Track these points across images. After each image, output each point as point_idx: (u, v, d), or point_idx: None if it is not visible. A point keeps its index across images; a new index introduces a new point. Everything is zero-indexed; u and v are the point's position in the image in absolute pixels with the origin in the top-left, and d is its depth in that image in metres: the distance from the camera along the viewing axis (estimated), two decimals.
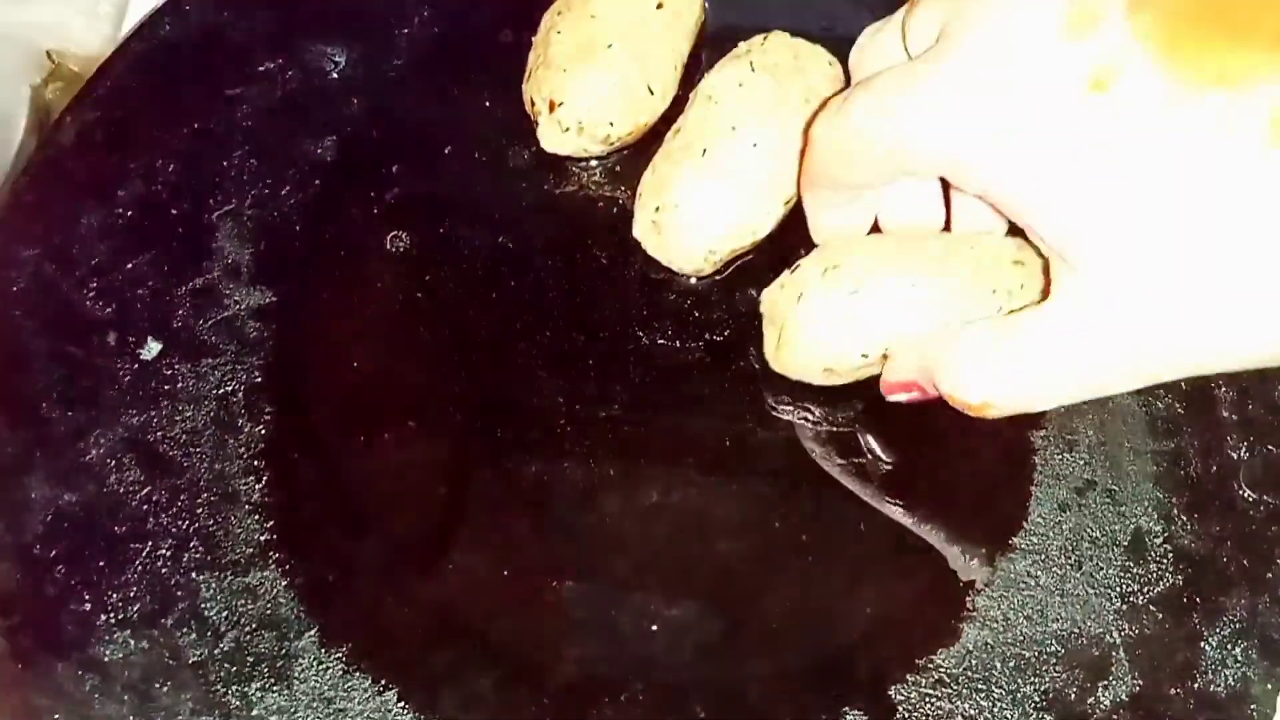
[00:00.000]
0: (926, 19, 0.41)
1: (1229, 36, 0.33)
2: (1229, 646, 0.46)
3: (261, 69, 0.58)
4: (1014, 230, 0.45)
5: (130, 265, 0.53)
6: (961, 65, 0.38)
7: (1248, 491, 0.49)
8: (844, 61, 0.53)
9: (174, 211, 0.54)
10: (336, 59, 0.58)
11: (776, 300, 0.48)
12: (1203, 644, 0.46)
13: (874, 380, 0.48)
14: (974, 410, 0.42)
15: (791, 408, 0.51)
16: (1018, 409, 0.42)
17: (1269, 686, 0.45)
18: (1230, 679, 0.46)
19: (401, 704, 0.45)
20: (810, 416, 0.51)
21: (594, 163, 0.56)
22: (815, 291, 0.47)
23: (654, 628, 0.47)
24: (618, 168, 0.56)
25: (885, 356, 0.46)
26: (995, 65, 0.37)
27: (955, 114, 0.38)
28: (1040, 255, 0.43)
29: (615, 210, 0.55)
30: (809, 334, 0.47)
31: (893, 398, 0.46)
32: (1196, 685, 0.46)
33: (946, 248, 0.46)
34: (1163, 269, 0.35)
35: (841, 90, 0.51)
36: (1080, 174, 0.36)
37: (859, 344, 0.46)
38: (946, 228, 0.48)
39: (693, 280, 0.53)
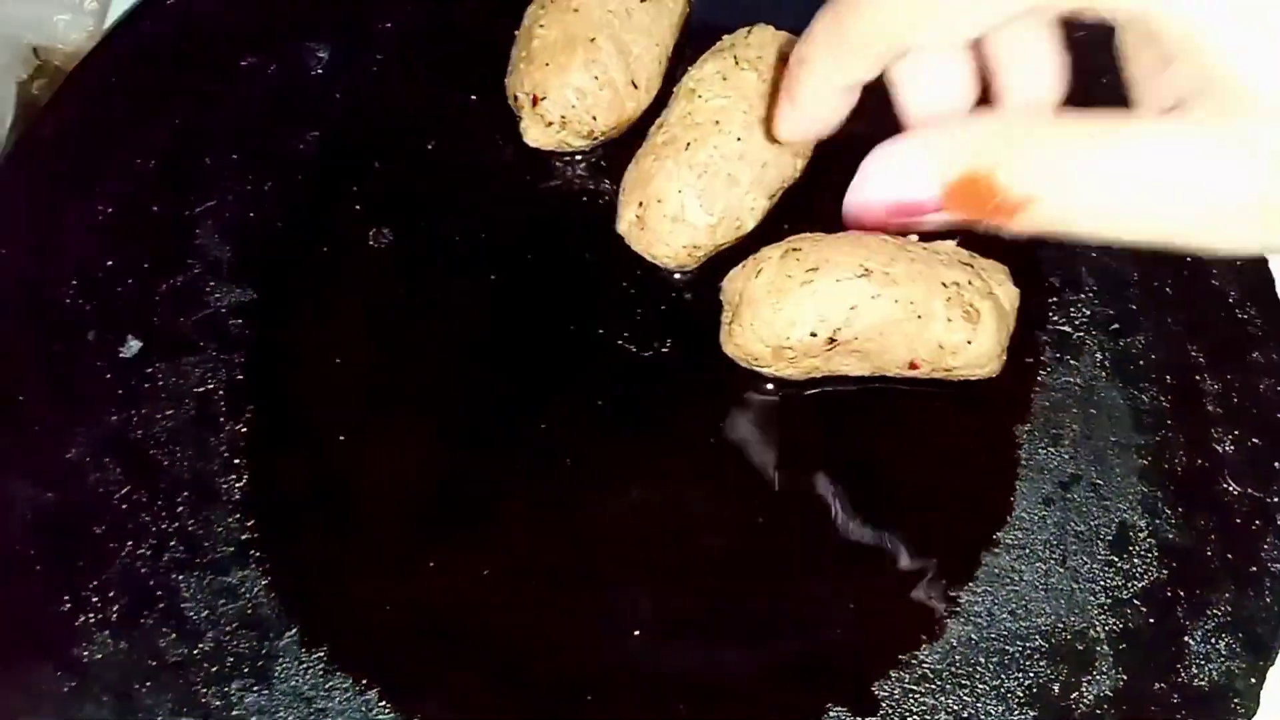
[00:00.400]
0: None
1: None
2: (1213, 641, 0.46)
3: (243, 65, 0.58)
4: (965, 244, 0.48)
5: (111, 262, 0.53)
6: None
7: (1233, 485, 0.48)
8: None
9: (155, 208, 0.54)
10: (319, 55, 0.58)
11: (735, 280, 0.49)
12: (1187, 638, 0.46)
13: (851, 377, 0.48)
14: (1009, 208, 0.34)
15: (777, 399, 0.51)
16: (1069, 222, 0.34)
17: (1253, 681, 0.45)
18: (1214, 673, 0.46)
19: (383, 703, 0.45)
20: (795, 410, 0.50)
21: (578, 157, 0.56)
22: (772, 269, 0.47)
23: (636, 624, 0.46)
24: (602, 162, 0.56)
25: (832, 340, 0.46)
26: None
27: None
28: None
29: (600, 205, 0.55)
30: (761, 309, 0.47)
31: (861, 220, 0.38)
32: (1180, 679, 0.46)
33: (902, 243, 0.48)
34: None
35: None
36: None
37: (808, 321, 0.46)
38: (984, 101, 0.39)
39: (677, 275, 0.53)
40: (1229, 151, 0.31)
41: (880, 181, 0.37)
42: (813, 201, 0.53)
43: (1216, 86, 0.31)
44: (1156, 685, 0.45)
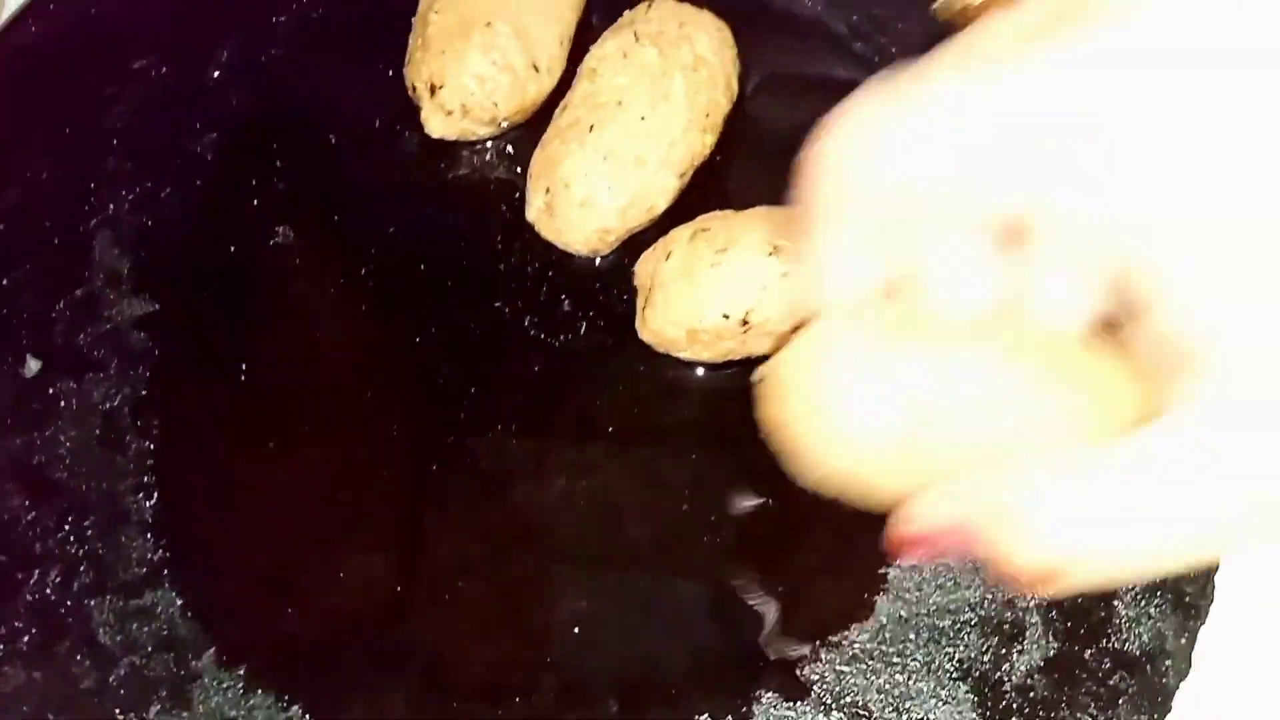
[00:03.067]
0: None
1: None
2: (1142, 603, 0.46)
3: (135, 66, 0.56)
4: None
5: (4, 280, 0.51)
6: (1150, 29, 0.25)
7: None
8: (732, 25, 0.52)
9: (48, 221, 0.52)
10: (213, 52, 0.56)
11: (645, 263, 0.48)
12: (1116, 602, 0.46)
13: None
14: (1035, 579, 0.29)
15: (696, 382, 0.50)
16: (1108, 575, 0.29)
17: (1183, 641, 0.45)
18: (1145, 636, 0.45)
19: (306, 718, 0.44)
20: (716, 393, 0.49)
21: (485, 144, 0.54)
22: (681, 251, 0.46)
23: (561, 622, 0.46)
24: (509, 148, 0.54)
25: (745, 322, 0.45)
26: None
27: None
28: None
29: (509, 193, 0.53)
30: (672, 292, 0.46)
31: (902, 557, 0.33)
32: (1112, 645, 0.45)
33: None
34: None
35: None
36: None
37: (720, 303, 0.46)
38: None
39: (595, 261, 0.52)
40: (1206, 466, 0.26)
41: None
42: (726, 177, 0.52)
43: (1173, 355, 0.26)
44: (1087, 652, 0.45)
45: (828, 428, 0.31)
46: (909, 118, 0.28)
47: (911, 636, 0.46)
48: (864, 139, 0.29)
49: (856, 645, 0.46)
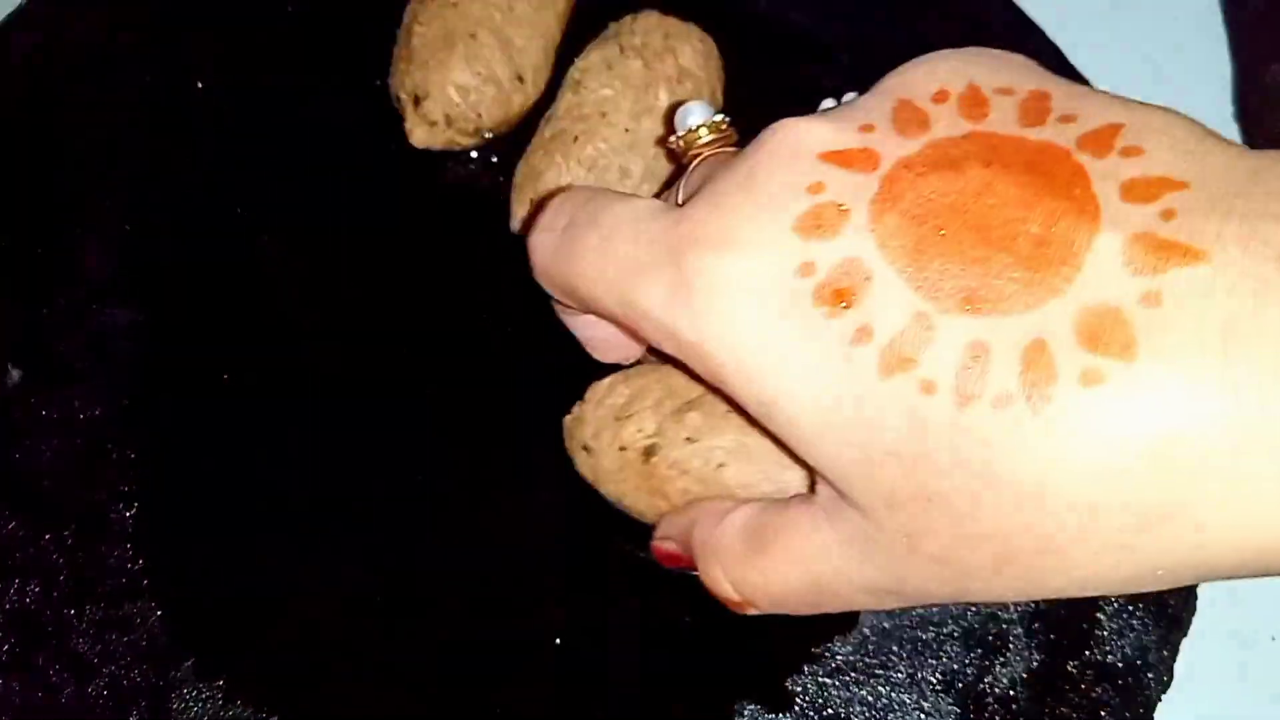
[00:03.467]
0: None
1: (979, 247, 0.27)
2: (1125, 615, 0.46)
3: (120, 73, 0.55)
4: None
5: None
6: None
7: None
8: (716, 38, 0.52)
9: (31, 228, 0.52)
10: (198, 61, 0.56)
11: None
12: (1098, 614, 0.46)
13: None
14: (733, 605, 0.36)
15: None
16: (778, 610, 0.35)
17: (1165, 653, 0.45)
18: (1128, 648, 0.45)
19: None
20: None
21: (472, 155, 0.54)
22: None
23: (543, 634, 0.45)
24: (494, 159, 0.54)
25: None
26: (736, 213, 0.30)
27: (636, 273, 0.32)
28: None
29: (494, 204, 0.53)
30: None
31: (666, 564, 0.41)
32: (1094, 656, 0.45)
33: None
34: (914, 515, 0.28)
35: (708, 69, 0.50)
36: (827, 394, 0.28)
37: None
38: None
39: None
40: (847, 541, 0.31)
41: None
42: None
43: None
44: (1070, 664, 0.45)
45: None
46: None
47: (894, 648, 0.45)
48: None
49: (839, 657, 0.45)
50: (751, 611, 0.36)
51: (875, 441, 0.28)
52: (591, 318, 0.38)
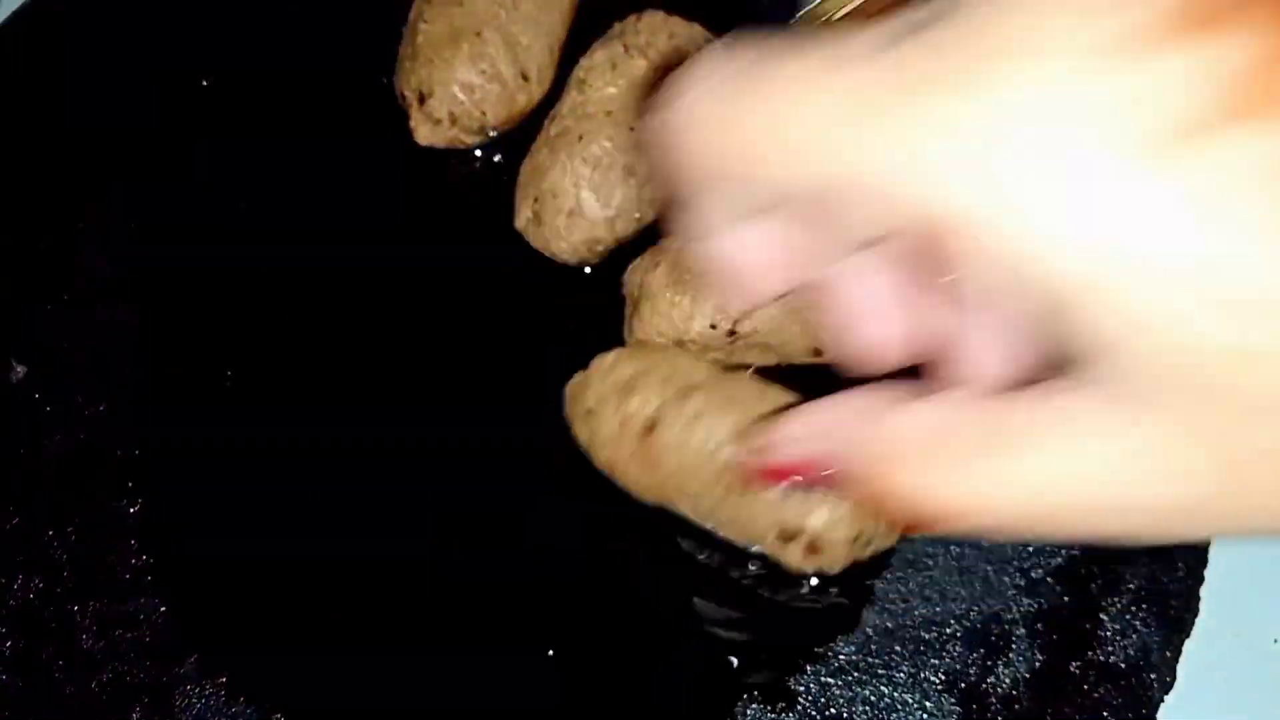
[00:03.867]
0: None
1: None
2: (1127, 616, 0.46)
3: (120, 73, 0.56)
4: None
5: None
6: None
7: None
8: (720, 37, 0.52)
9: (34, 225, 0.52)
10: (200, 59, 0.56)
11: (634, 272, 0.48)
12: (1101, 614, 0.46)
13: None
14: (925, 521, 0.27)
15: None
16: (1011, 526, 0.26)
17: (1168, 654, 0.45)
18: (1130, 649, 0.45)
19: None
20: None
21: (476, 153, 0.54)
22: (670, 261, 0.46)
23: (544, 637, 0.45)
24: (498, 158, 0.54)
25: (733, 333, 0.45)
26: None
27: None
28: None
29: (497, 202, 0.53)
30: (660, 302, 0.46)
31: (768, 488, 0.34)
32: (1097, 657, 0.45)
33: None
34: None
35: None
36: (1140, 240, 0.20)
37: (708, 314, 0.46)
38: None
39: (584, 270, 0.52)
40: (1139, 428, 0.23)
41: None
42: None
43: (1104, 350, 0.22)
44: (1073, 664, 0.45)
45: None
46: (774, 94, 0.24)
47: (897, 648, 0.45)
48: (722, 112, 0.25)
49: (842, 657, 0.45)
50: (939, 530, 0.26)
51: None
52: (751, 234, 0.27)
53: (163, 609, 0.46)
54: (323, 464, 0.48)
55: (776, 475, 0.31)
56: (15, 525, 0.47)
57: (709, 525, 0.45)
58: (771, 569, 0.46)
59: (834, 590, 0.46)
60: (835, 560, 0.44)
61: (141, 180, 0.53)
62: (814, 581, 0.46)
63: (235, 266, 0.52)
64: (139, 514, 0.47)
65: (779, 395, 0.45)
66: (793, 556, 0.44)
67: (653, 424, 0.43)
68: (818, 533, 0.43)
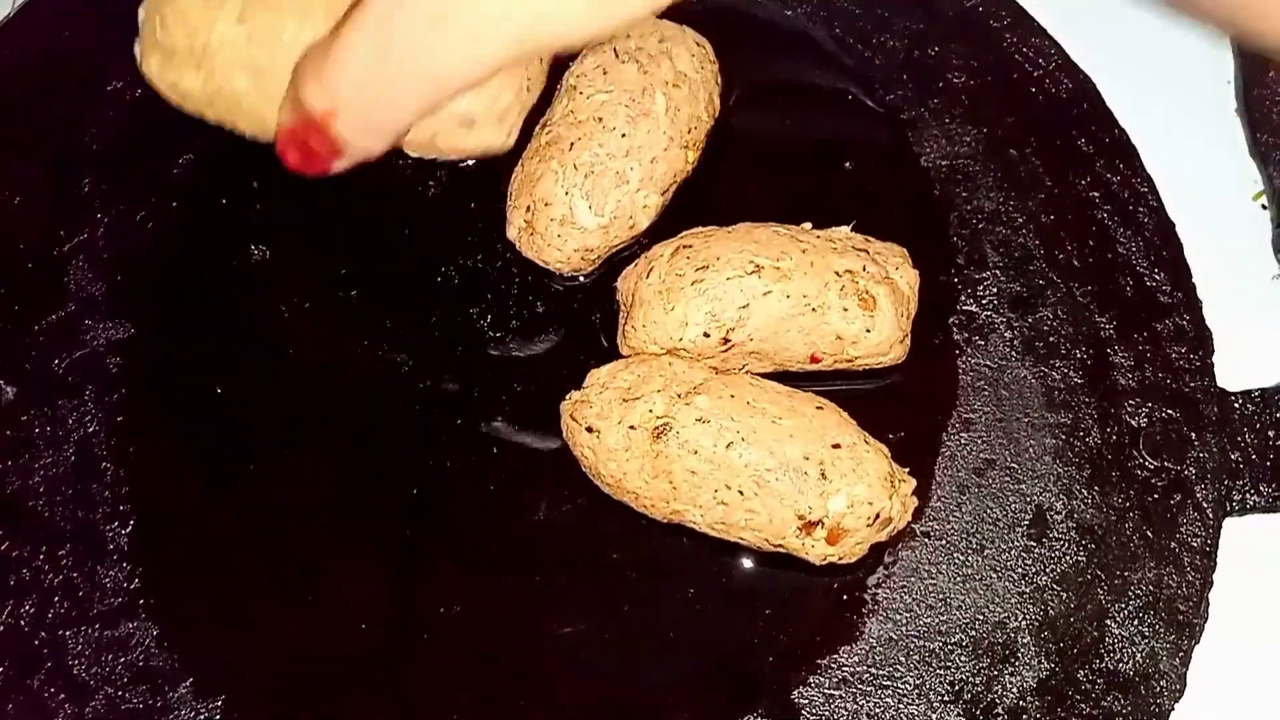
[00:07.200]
0: None
1: None
2: (1135, 623, 0.45)
3: (109, 88, 0.55)
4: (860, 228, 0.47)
5: None
6: None
7: (1148, 460, 0.47)
8: (713, 40, 0.51)
9: (23, 246, 0.51)
10: None
11: (627, 279, 0.47)
12: (1109, 621, 0.45)
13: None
14: (325, 131, 0.38)
15: None
16: (363, 115, 0.37)
17: (1177, 661, 0.44)
18: (1138, 656, 0.45)
19: None
20: None
21: (468, 162, 0.54)
22: (663, 268, 0.46)
23: (550, 646, 0.45)
24: (491, 166, 0.53)
25: (726, 340, 0.45)
26: None
27: None
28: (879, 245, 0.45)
29: (490, 212, 0.52)
30: (653, 309, 0.46)
31: (290, 161, 0.41)
32: (1105, 665, 0.45)
33: (795, 234, 0.46)
34: None
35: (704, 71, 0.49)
36: None
37: (701, 321, 0.45)
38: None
39: (577, 277, 0.51)
40: None
41: None
42: (709, 193, 0.51)
43: None
44: (1080, 673, 0.44)
45: None
46: None
47: (901, 659, 0.45)
48: None
49: (846, 668, 0.45)
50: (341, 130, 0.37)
51: None
52: None
53: (155, 632, 0.45)
54: (316, 484, 0.47)
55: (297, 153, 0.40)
56: (4, 549, 0.46)
57: (721, 534, 0.44)
58: (772, 578, 0.45)
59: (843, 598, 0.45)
60: (859, 545, 0.44)
61: (128, 198, 0.52)
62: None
63: (224, 282, 0.51)
64: (131, 536, 0.46)
65: (779, 390, 0.45)
66: (816, 547, 0.43)
67: (662, 429, 0.43)
68: (839, 517, 0.43)
